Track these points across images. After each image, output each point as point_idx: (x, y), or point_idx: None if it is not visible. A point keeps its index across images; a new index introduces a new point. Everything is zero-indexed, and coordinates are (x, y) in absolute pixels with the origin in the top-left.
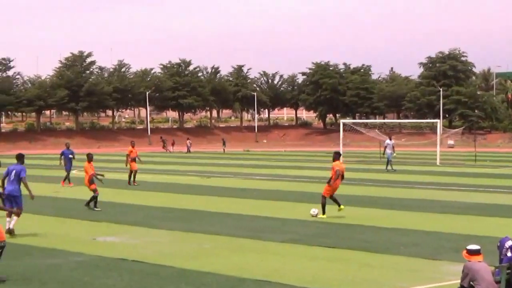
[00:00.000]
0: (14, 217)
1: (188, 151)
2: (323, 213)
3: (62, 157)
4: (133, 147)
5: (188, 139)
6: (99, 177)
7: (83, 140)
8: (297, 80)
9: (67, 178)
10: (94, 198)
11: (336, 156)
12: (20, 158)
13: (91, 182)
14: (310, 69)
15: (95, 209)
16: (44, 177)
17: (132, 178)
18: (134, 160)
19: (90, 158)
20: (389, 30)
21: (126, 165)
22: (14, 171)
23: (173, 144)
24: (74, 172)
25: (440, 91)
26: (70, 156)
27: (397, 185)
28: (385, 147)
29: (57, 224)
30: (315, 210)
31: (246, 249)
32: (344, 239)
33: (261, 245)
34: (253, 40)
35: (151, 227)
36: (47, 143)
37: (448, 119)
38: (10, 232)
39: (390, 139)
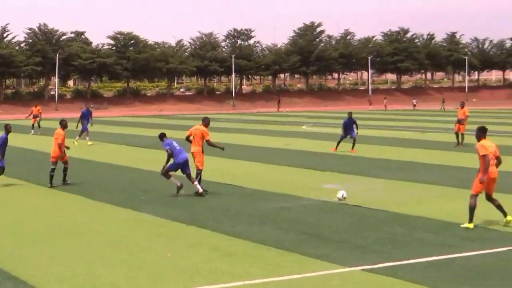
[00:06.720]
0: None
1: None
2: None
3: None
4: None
5: (385, 98)
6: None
7: (312, 100)
8: (505, 45)
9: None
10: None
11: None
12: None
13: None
14: None
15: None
16: (278, 131)
17: None
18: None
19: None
20: None
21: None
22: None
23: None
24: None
25: None
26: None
27: None
28: None
29: (288, 172)
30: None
31: (454, 197)
32: None
33: (468, 194)
34: (466, 8)
35: (370, 176)
36: (282, 102)
37: None
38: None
39: None
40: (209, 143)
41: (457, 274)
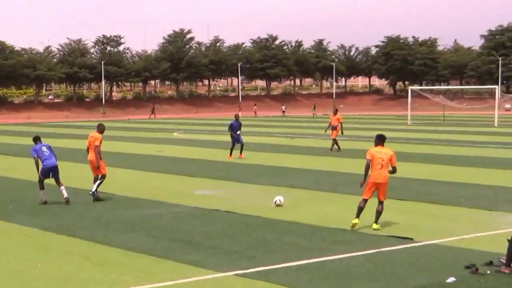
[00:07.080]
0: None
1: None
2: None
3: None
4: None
5: (255, 104)
6: None
7: (183, 107)
8: (370, 52)
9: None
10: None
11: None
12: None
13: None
14: (382, 41)
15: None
16: (150, 138)
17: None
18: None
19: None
20: (454, 5)
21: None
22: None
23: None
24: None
25: (499, 60)
26: None
27: (460, 144)
28: None
29: (161, 179)
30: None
31: (324, 201)
32: (412, 192)
33: (337, 198)
34: (333, 15)
35: (242, 182)
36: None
37: (506, 85)
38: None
39: None
40: (97, 149)
41: (327, 277)
